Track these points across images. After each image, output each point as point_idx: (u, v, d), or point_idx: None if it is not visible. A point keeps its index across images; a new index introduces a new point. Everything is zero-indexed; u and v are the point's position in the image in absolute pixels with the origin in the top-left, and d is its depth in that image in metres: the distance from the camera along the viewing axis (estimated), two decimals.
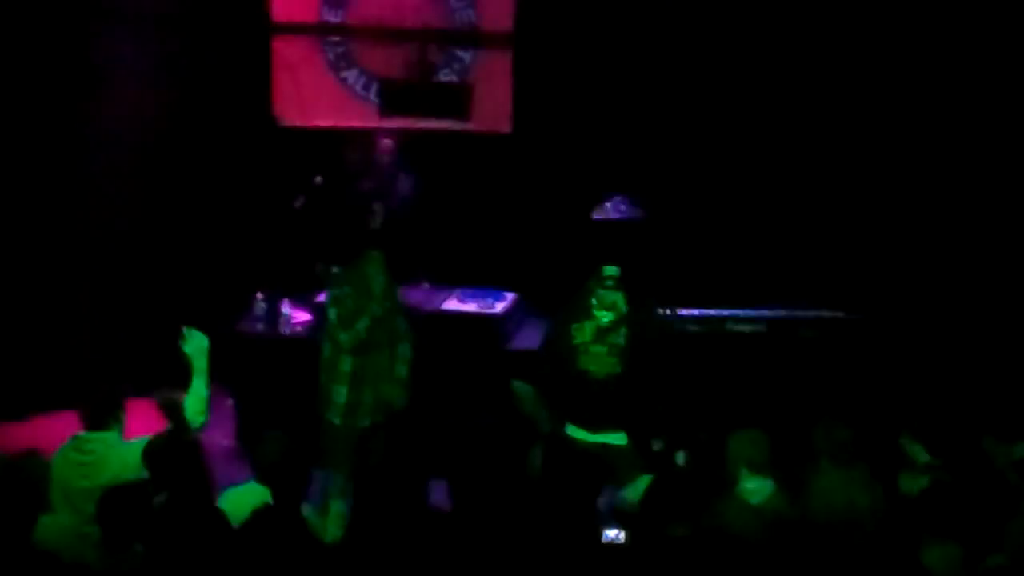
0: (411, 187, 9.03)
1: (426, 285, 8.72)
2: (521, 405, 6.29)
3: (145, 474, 5.59)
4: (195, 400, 6.07)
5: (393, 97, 9.13)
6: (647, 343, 6.89)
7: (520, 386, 6.44)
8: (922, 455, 6.07)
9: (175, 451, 5.52)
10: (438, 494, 5.18)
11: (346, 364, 7.09)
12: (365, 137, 9.26)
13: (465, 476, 5.20)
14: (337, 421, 7.13)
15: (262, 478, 5.39)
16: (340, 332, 7.05)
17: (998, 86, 8.71)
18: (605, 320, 6.83)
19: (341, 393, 7.10)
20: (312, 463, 5.58)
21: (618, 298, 6.85)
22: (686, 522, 4.95)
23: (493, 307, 8.40)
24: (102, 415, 6.07)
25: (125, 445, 6.00)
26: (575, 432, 6.81)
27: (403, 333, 7.24)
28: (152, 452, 5.55)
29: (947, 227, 8.81)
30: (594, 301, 6.86)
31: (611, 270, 6.84)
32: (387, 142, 9.10)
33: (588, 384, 6.82)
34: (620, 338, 6.83)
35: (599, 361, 6.83)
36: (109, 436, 5.99)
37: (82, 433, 6.03)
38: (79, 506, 5.64)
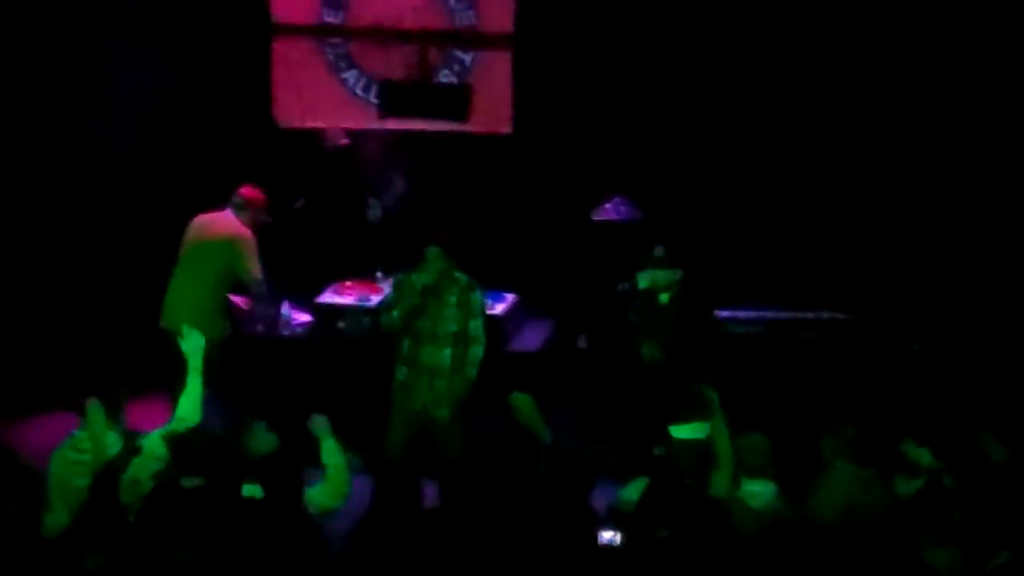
0: (404, 186, 9.03)
1: None
2: (519, 415, 6.22)
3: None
4: (189, 398, 6.12)
5: (393, 98, 9.12)
6: None
7: (518, 397, 6.40)
8: (924, 457, 6.06)
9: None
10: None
11: (404, 346, 7.39)
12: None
13: (463, 479, 5.20)
14: (395, 400, 7.46)
15: (254, 473, 5.41)
16: (383, 314, 7.50)
17: (998, 86, 8.72)
18: None
19: (401, 371, 7.43)
20: (306, 462, 5.59)
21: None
22: (683, 524, 4.95)
23: (493, 308, 8.39)
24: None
25: (121, 442, 6.00)
26: None
27: (477, 336, 7.36)
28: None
29: (946, 228, 8.81)
30: None
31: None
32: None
33: None
34: None
35: None
36: (106, 434, 5.99)
37: (77, 431, 6.04)
38: (78, 504, 5.64)
